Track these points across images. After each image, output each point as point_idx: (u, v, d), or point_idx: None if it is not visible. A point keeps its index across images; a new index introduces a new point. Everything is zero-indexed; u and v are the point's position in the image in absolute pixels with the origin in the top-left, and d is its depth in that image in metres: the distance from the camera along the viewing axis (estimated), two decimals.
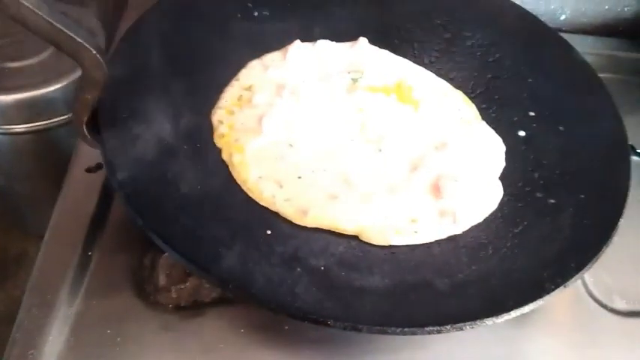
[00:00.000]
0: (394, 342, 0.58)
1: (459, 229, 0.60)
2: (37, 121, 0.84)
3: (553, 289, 0.52)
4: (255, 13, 0.79)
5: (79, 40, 0.51)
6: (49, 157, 0.91)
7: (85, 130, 0.58)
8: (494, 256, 0.57)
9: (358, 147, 0.66)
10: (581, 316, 0.64)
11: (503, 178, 0.67)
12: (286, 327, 0.58)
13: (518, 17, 0.84)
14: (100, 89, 0.55)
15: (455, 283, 0.54)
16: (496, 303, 0.50)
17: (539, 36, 0.82)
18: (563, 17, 1.05)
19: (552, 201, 0.63)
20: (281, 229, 0.58)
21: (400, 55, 0.80)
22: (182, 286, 0.59)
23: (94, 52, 0.52)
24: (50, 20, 0.49)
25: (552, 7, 1.03)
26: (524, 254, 0.57)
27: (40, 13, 0.48)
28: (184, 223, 0.55)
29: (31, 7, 0.47)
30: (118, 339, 0.56)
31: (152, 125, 0.62)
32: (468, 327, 0.48)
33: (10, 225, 1.08)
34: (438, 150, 0.67)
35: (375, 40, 0.80)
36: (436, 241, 0.59)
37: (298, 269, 0.53)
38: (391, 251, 0.58)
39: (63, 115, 0.84)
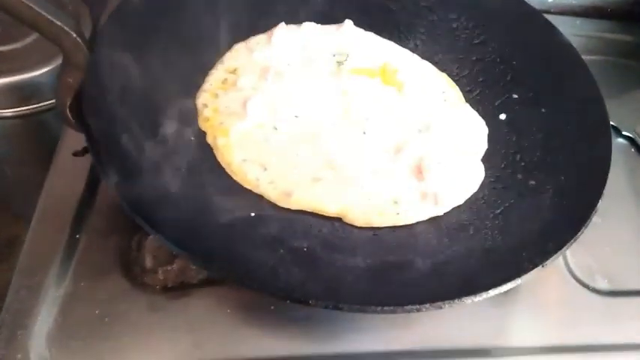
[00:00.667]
0: (376, 321, 0.59)
1: (440, 210, 0.61)
2: (25, 105, 0.83)
3: (531, 269, 0.53)
4: None
5: (59, 23, 0.51)
6: (38, 140, 0.91)
7: (69, 114, 0.58)
8: (474, 236, 0.59)
9: (342, 129, 0.67)
10: (564, 295, 0.65)
11: (485, 160, 0.67)
12: (272, 307, 0.59)
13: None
14: (82, 72, 0.55)
15: (435, 263, 0.55)
16: (475, 282, 0.51)
17: (524, 18, 0.82)
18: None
19: (533, 182, 0.64)
20: (265, 211, 0.59)
21: (385, 38, 0.80)
22: (168, 268, 0.60)
23: (74, 35, 0.52)
24: (29, 4, 0.49)
25: None
26: (504, 235, 0.58)
27: None
28: (169, 207, 0.55)
29: None
30: (106, 319, 0.57)
31: (136, 109, 0.62)
32: (446, 305, 0.49)
33: (1, 209, 1.08)
34: (421, 132, 0.68)
35: (361, 23, 0.80)
36: (418, 222, 0.60)
37: (281, 250, 0.54)
38: (374, 232, 0.59)
39: (51, 99, 0.84)
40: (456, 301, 0.50)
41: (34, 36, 0.85)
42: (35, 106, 0.84)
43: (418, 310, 0.49)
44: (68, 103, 0.57)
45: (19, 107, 0.84)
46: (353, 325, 0.59)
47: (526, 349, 0.60)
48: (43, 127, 0.88)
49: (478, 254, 0.56)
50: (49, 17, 0.50)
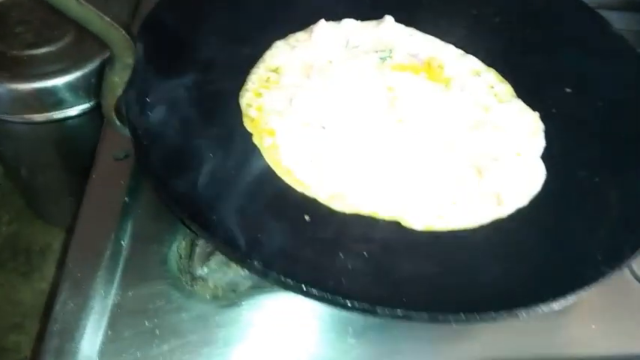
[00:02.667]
0: (435, 331, 0.56)
1: (503, 211, 0.58)
2: (57, 110, 0.82)
3: (610, 272, 0.49)
4: None
5: (108, 19, 0.49)
6: (70, 146, 0.89)
7: (113, 114, 0.56)
8: (542, 239, 0.55)
9: (392, 128, 0.64)
10: (629, 300, 0.61)
11: (544, 158, 0.64)
12: (327, 316, 0.56)
13: None
14: (130, 71, 0.53)
15: (503, 269, 0.52)
16: (551, 287, 0.48)
17: (571, 10, 0.79)
18: None
19: (597, 179, 0.61)
20: (320, 214, 0.56)
21: (427, 33, 0.77)
22: (220, 276, 0.58)
23: (124, 32, 0.50)
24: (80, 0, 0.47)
25: None
26: (572, 237, 0.55)
27: None
28: (221, 211, 0.53)
29: None
30: (157, 331, 0.55)
31: (180, 110, 0.60)
32: (524, 314, 0.46)
33: (34, 217, 1.06)
34: (474, 129, 0.64)
35: (401, 19, 0.77)
36: (480, 225, 0.57)
37: (341, 256, 0.51)
38: (434, 236, 0.56)
39: (84, 104, 0.82)
40: (533, 308, 0.47)
41: (65, 40, 0.83)
42: (67, 110, 0.83)
43: (494, 320, 0.46)
44: (114, 104, 0.55)
45: (50, 112, 0.82)
46: (409, 334, 0.56)
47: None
48: (76, 132, 0.86)
49: (549, 257, 0.53)
50: (99, 13, 0.48)
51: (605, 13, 0.92)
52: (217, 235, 0.50)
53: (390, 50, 0.73)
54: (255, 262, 0.48)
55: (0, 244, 1.03)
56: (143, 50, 0.58)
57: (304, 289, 0.47)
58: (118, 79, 0.53)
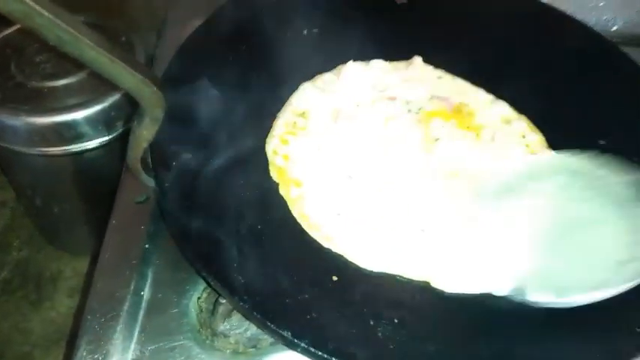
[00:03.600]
0: None
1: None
2: (74, 144, 0.80)
3: None
4: (305, 32, 0.75)
5: (140, 76, 0.47)
6: (87, 178, 0.88)
7: (140, 166, 0.55)
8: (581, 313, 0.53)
9: (424, 180, 0.62)
10: None
11: None
12: None
13: (577, 33, 0.79)
14: (158, 125, 0.52)
15: (544, 336, 0.50)
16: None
17: (603, 54, 0.77)
18: (614, 28, 0.99)
19: None
20: (347, 274, 0.54)
21: (456, 75, 0.75)
22: (241, 332, 0.56)
23: (156, 88, 0.49)
24: (110, 56, 0.45)
25: (604, 17, 0.98)
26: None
27: (100, 49, 0.44)
28: (246, 269, 0.51)
29: (91, 43, 0.44)
30: None
31: (205, 159, 0.59)
32: None
33: (45, 242, 1.05)
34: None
35: (430, 59, 0.76)
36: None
37: (371, 322, 0.50)
38: (467, 299, 0.54)
39: (102, 137, 0.81)
40: None
41: (85, 71, 0.82)
42: (85, 144, 0.81)
43: None
44: (140, 156, 0.53)
45: (68, 145, 0.81)
46: None
47: None
48: (93, 165, 0.85)
49: (596, 327, 0.51)
50: (131, 70, 0.46)
51: (631, 51, 0.91)
52: (245, 300, 0.48)
53: (419, 108, 0.70)
54: (285, 333, 0.46)
55: (10, 270, 1.02)
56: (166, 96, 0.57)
57: None
58: (146, 133, 0.51)
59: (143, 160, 0.56)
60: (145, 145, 0.53)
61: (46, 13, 0.40)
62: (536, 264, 0.51)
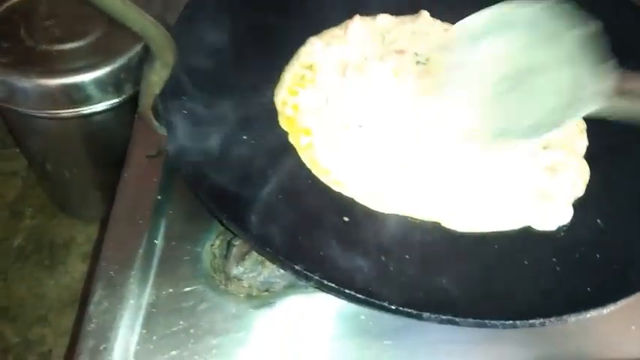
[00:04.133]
0: (475, 333, 0.55)
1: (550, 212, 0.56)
2: (84, 106, 0.81)
3: None
4: None
5: (150, 17, 0.48)
6: (97, 141, 0.89)
7: (151, 114, 0.55)
8: (591, 242, 0.53)
9: (435, 124, 0.62)
10: None
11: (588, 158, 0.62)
12: (362, 317, 0.56)
13: None
14: (169, 70, 0.52)
15: (551, 272, 0.51)
16: (601, 292, 0.47)
17: None
18: None
19: None
20: (358, 215, 0.55)
21: None
22: (254, 276, 0.57)
23: (165, 30, 0.49)
24: None
25: None
26: (623, 240, 0.53)
27: None
28: (259, 211, 0.52)
29: None
30: (191, 330, 0.54)
31: (216, 109, 0.59)
32: (572, 318, 0.45)
33: (58, 210, 1.06)
34: None
35: (437, 13, 0.75)
36: (526, 226, 0.55)
37: (382, 258, 0.50)
38: (478, 237, 0.54)
39: (112, 99, 0.82)
40: (583, 313, 0.46)
41: (93, 35, 0.83)
42: (95, 106, 0.82)
43: (542, 325, 0.45)
44: (152, 102, 0.54)
45: (78, 107, 0.81)
46: (447, 335, 0.55)
47: None
48: (104, 128, 0.86)
49: (597, 261, 0.51)
50: (140, 11, 0.47)
51: None
52: (257, 237, 0.49)
53: (427, 59, 0.70)
54: (298, 267, 0.47)
55: (24, 237, 1.03)
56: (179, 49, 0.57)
57: (347, 293, 0.46)
58: (157, 78, 0.52)
59: (154, 109, 0.57)
60: (156, 91, 0.54)
61: None
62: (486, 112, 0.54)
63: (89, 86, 0.80)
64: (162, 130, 0.56)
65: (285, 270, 0.50)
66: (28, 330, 0.93)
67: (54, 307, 0.95)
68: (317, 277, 0.46)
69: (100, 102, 0.82)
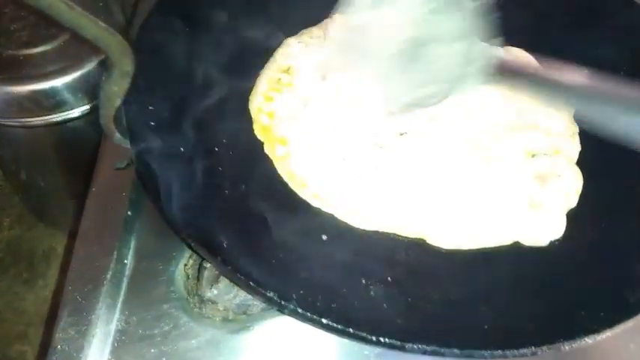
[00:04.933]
0: None
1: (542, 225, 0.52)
2: (54, 113, 0.77)
3: None
4: None
5: (103, 24, 0.44)
6: (69, 149, 0.85)
7: (112, 125, 0.52)
8: (584, 261, 0.50)
9: (420, 132, 0.58)
10: None
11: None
12: (345, 340, 0.52)
13: None
14: (129, 79, 0.48)
15: (542, 293, 0.47)
16: (595, 317, 0.44)
17: None
18: None
19: None
20: (337, 233, 0.51)
21: None
22: (230, 298, 0.54)
23: (121, 37, 0.45)
24: (68, 2, 0.42)
25: None
26: (618, 259, 0.50)
27: None
28: (230, 232, 0.48)
29: None
30: (163, 359, 0.51)
31: (185, 118, 0.55)
32: (566, 347, 0.42)
33: (36, 220, 1.03)
34: (520, 131, 0.58)
35: None
36: (515, 242, 0.52)
37: (363, 281, 0.47)
38: (464, 256, 0.51)
39: (84, 105, 0.78)
40: (577, 341, 0.42)
41: (62, 37, 0.79)
42: (65, 113, 0.78)
43: (534, 354, 0.42)
44: (113, 114, 0.50)
45: (48, 115, 0.77)
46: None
47: None
48: (76, 135, 0.82)
49: (591, 283, 0.48)
50: (92, 17, 0.43)
51: None
52: (225, 262, 0.45)
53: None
54: (270, 294, 0.43)
55: (1, 249, 0.99)
56: (142, 55, 0.54)
57: (325, 323, 0.43)
58: (117, 88, 0.48)
59: (117, 120, 0.53)
60: (117, 102, 0.50)
61: None
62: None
63: (59, 92, 0.76)
64: (125, 143, 0.53)
65: (256, 298, 0.47)
66: (8, 347, 0.90)
67: (33, 322, 0.91)
68: (291, 306, 0.43)
69: (71, 108, 0.78)
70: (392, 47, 0.52)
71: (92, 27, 0.43)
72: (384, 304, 0.45)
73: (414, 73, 0.52)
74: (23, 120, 0.77)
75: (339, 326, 0.42)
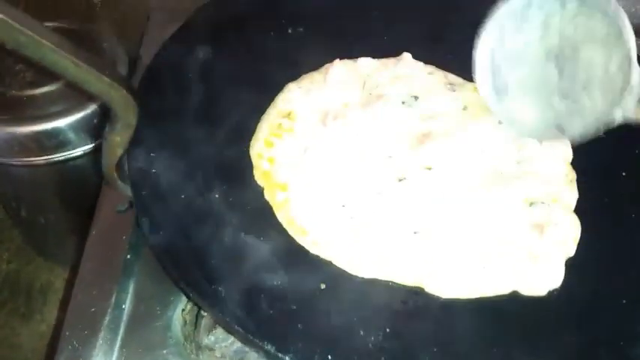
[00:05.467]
0: None
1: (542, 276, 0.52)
2: (57, 153, 0.78)
3: None
4: (290, 31, 0.73)
5: (107, 79, 0.45)
6: (71, 187, 0.85)
7: (115, 175, 0.52)
8: (583, 310, 0.50)
9: (421, 179, 0.59)
10: None
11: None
12: None
13: None
14: (132, 130, 0.49)
15: (546, 347, 0.47)
16: None
17: None
18: None
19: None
20: (335, 281, 0.51)
21: (448, 71, 0.72)
22: (227, 345, 0.53)
23: (125, 91, 0.46)
24: (74, 59, 0.43)
25: None
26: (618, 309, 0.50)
27: (61, 51, 0.42)
28: (227, 280, 0.49)
29: (50, 45, 0.41)
30: None
31: (186, 166, 0.56)
32: None
33: (35, 255, 1.03)
34: (521, 178, 0.59)
35: (420, 55, 0.73)
36: (515, 291, 0.52)
37: (361, 332, 0.47)
38: (465, 304, 0.51)
39: (86, 145, 0.78)
40: None
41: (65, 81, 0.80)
42: (68, 153, 0.79)
43: None
44: (115, 164, 0.51)
45: (50, 155, 0.78)
46: None
47: None
48: (77, 174, 0.82)
49: (593, 334, 0.48)
50: (97, 72, 0.44)
51: None
52: (224, 313, 0.45)
53: (416, 97, 0.67)
54: (268, 346, 0.43)
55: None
56: (144, 104, 0.55)
57: None
58: (120, 139, 0.49)
59: (119, 168, 0.54)
60: (119, 151, 0.51)
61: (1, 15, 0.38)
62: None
63: (62, 132, 0.76)
64: (127, 191, 0.53)
65: (252, 349, 0.47)
66: None
67: (29, 358, 0.91)
68: (288, 359, 0.43)
69: (74, 148, 0.78)
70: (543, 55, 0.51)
71: (97, 83, 0.44)
72: (382, 357, 0.45)
73: (569, 82, 0.50)
74: (25, 160, 0.78)
75: None
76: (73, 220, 0.90)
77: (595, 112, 0.50)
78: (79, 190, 0.85)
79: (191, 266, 0.49)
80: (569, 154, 0.62)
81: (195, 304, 0.50)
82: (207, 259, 0.50)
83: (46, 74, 0.79)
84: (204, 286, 0.47)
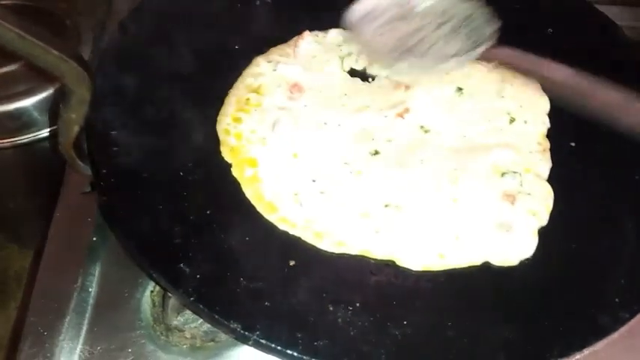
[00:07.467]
0: None
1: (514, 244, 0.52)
2: (20, 135, 0.75)
3: (628, 319, 0.44)
4: (257, 2, 0.71)
5: (56, 52, 0.43)
6: (37, 170, 0.83)
7: (72, 152, 0.50)
8: (555, 280, 0.49)
9: (391, 152, 0.58)
10: None
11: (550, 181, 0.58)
12: None
13: None
14: (86, 106, 0.47)
15: (515, 315, 0.47)
16: (566, 339, 0.44)
17: None
18: None
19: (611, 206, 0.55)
20: (305, 257, 0.50)
21: None
22: (197, 325, 0.52)
23: (75, 64, 0.44)
24: (19, 32, 0.41)
25: None
26: (590, 278, 0.50)
27: (5, 24, 0.40)
28: (192, 259, 0.47)
29: None
30: None
31: (149, 143, 0.54)
32: None
33: (7, 241, 1.00)
34: (495, 148, 0.58)
35: None
36: (486, 261, 0.51)
37: (330, 307, 0.46)
38: (435, 277, 0.50)
39: (50, 127, 0.76)
40: None
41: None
42: (32, 135, 0.76)
43: None
44: (72, 142, 0.49)
45: (13, 137, 0.76)
46: None
47: None
48: (42, 156, 0.80)
49: (563, 303, 0.48)
50: (44, 45, 0.42)
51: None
52: (189, 292, 0.44)
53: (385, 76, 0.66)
54: (234, 325, 0.42)
55: None
56: (104, 78, 0.53)
57: (290, 353, 0.42)
58: (75, 116, 0.47)
59: (78, 146, 0.52)
60: (75, 129, 0.49)
61: None
62: None
63: (26, 113, 0.74)
64: (86, 170, 0.52)
65: (219, 329, 0.46)
66: None
67: (4, 345, 0.89)
68: (255, 337, 0.42)
69: (39, 130, 0.76)
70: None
71: (45, 55, 0.42)
72: (351, 331, 0.44)
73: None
74: None
75: (305, 357, 0.41)
76: (42, 205, 0.88)
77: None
78: (48, 174, 0.82)
79: (155, 246, 0.48)
80: (544, 128, 0.62)
81: (159, 284, 0.49)
82: (171, 239, 0.48)
83: (7, 54, 0.77)
84: (168, 265, 0.46)
